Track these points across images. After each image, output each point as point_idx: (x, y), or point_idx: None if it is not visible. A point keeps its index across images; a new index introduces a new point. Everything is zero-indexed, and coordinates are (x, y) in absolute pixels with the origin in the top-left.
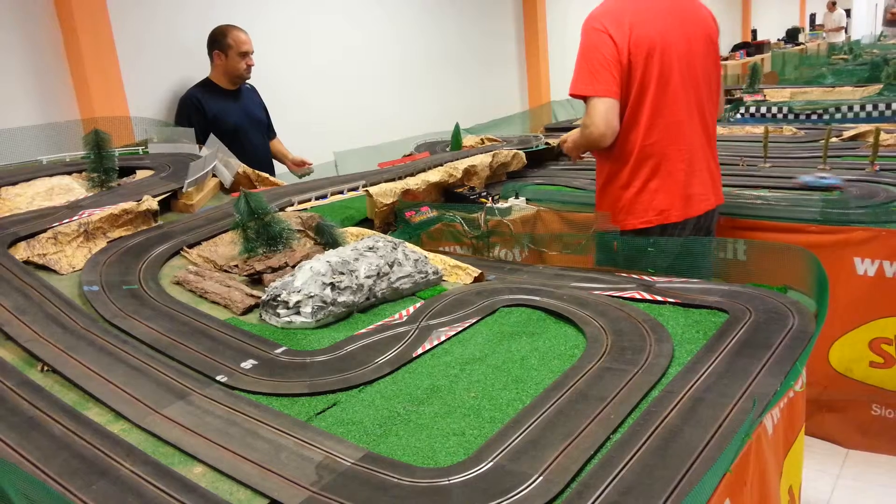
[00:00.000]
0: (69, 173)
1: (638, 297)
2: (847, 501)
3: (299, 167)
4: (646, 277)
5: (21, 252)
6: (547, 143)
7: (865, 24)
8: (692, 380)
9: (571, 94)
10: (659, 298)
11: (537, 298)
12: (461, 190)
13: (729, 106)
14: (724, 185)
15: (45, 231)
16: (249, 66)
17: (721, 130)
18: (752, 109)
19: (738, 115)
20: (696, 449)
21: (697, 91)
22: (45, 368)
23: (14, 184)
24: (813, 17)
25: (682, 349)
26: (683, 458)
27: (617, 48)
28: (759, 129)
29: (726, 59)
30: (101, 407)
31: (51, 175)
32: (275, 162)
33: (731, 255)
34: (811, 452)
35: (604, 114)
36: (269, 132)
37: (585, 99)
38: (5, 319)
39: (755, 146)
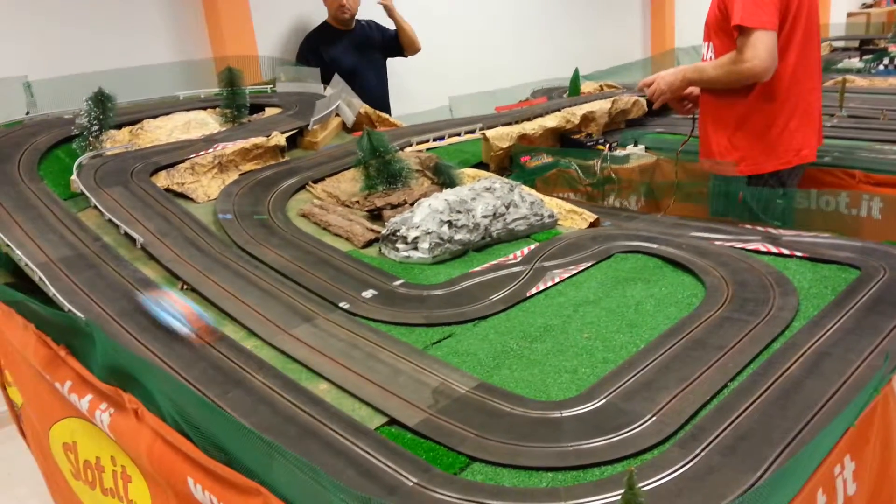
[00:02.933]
0: (204, 108)
1: (763, 249)
2: None
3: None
4: (772, 230)
5: (162, 180)
6: None
7: None
8: (818, 334)
9: (737, 25)
10: (785, 252)
11: (654, 246)
12: (578, 136)
13: (871, 56)
14: (861, 140)
15: (183, 161)
16: (342, 6)
17: (861, 82)
18: None
19: (882, 67)
20: (819, 402)
21: (818, 27)
22: (185, 287)
23: (155, 117)
24: None
25: (809, 303)
26: (804, 410)
27: None
28: None
29: (870, 5)
30: (236, 325)
31: (187, 110)
32: (391, 102)
33: (864, 213)
34: None
35: (770, 47)
36: (399, 51)
37: (746, 30)
38: (149, 241)
39: None
